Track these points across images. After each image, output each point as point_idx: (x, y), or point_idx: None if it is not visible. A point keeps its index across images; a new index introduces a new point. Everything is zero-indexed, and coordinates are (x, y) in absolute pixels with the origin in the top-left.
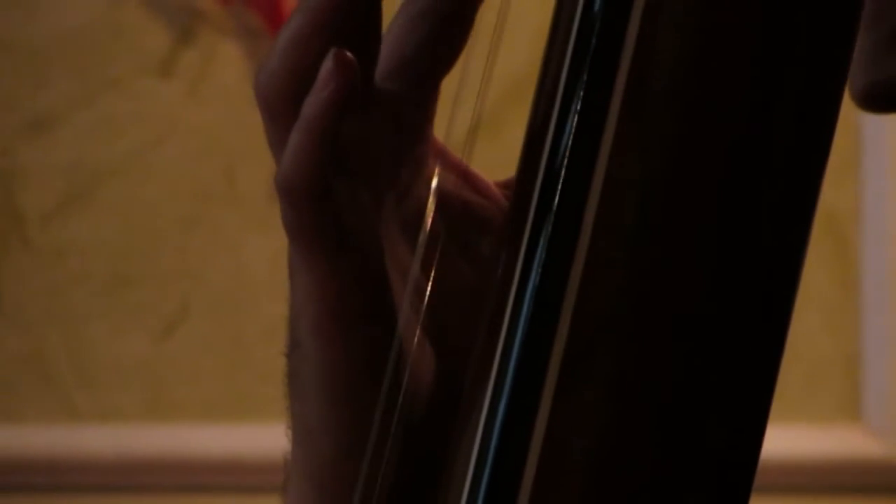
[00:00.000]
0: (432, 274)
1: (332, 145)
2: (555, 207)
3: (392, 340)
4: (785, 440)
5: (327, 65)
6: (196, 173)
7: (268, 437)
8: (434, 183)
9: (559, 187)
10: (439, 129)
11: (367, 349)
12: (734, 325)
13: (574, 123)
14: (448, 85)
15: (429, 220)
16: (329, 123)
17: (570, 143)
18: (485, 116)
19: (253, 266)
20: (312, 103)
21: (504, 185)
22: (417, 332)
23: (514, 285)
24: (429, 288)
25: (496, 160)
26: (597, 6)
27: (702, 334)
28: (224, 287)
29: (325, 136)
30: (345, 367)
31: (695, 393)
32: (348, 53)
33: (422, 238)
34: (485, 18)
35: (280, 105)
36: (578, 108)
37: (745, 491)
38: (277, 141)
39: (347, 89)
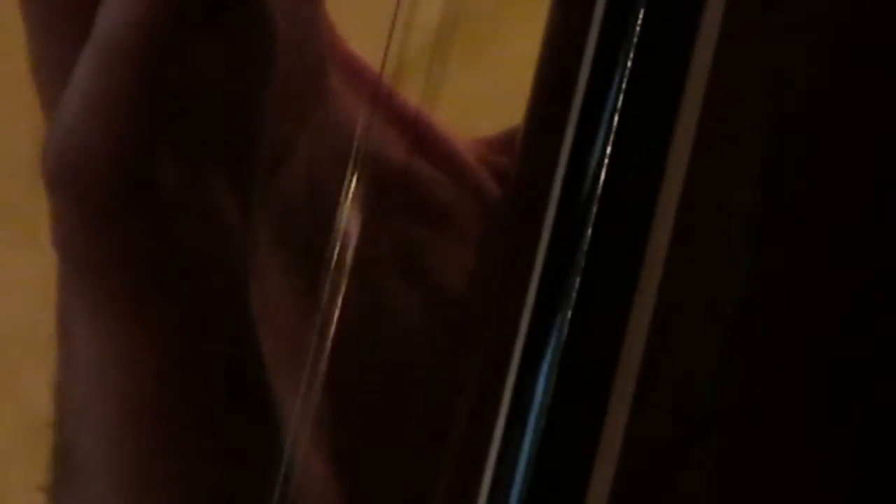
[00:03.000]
0: (334, 321)
1: (155, 90)
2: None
3: (269, 459)
4: None
5: None
6: None
7: None
8: (354, 146)
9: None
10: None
11: (215, 469)
12: None
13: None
14: None
15: (343, 220)
16: (146, 47)
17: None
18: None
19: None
20: (115, 11)
21: (487, 145)
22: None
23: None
24: (326, 348)
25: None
26: None
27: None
28: None
29: (140, 73)
30: None
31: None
32: None
33: (330, 243)
34: None
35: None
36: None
37: None
38: (50, 71)
39: None
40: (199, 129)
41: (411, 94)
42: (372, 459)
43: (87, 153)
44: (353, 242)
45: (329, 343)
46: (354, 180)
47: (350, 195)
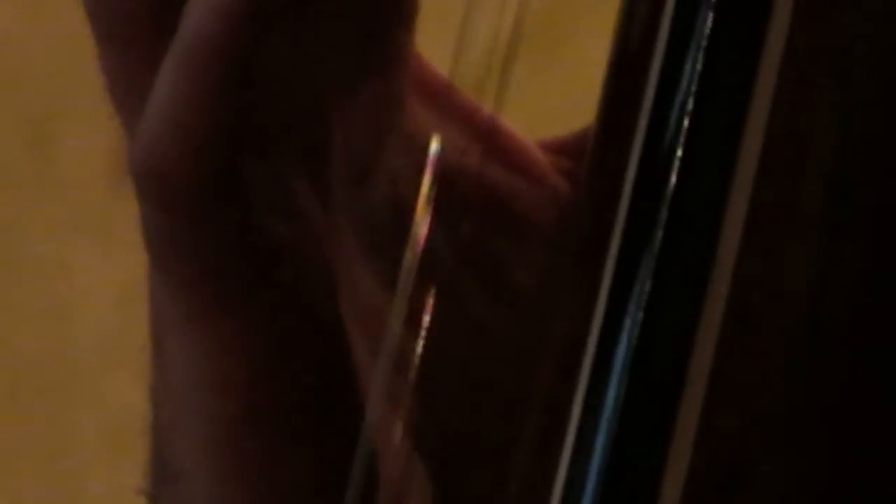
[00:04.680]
0: (424, 321)
1: (241, 94)
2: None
3: (352, 449)
4: None
5: None
6: None
7: None
8: (432, 151)
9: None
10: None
11: (309, 472)
12: None
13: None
14: None
15: (422, 225)
16: (233, 51)
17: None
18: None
19: (82, 310)
20: (199, 13)
21: (559, 150)
22: (400, 429)
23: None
24: (418, 349)
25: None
26: None
27: None
28: (29, 360)
29: (224, 77)
30: None
31: None
32: None
33: (409, 255)
34: None
35: (131, 12)
36: None
37: None
38: (128, 85)
39: None
40: (284, 129)
41: (481, 101)
42: (458, 462)
43: (172, 161)
44: (434, 254)
45: (416, 356)
46: (432, 191)
47: (428, 206)
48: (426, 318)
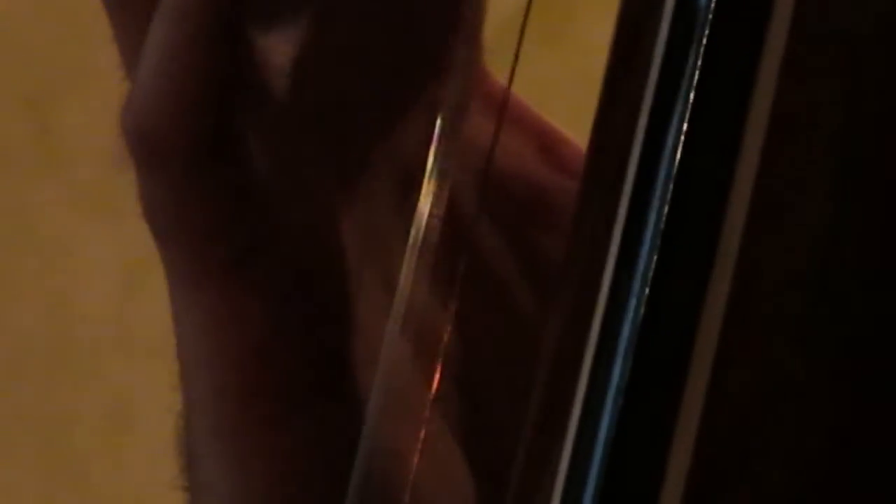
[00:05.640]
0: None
1: (232, 47)
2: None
3: (353, 425)
4: None
5: None
6: None
7: None
8: (491, 146)
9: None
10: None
11: (310, 446)
12: None
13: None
14: None
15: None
16: (221, 3)
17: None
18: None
19: (84, 290)
20: None
21: None
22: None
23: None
24: (446, 335)
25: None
26: None
27: None
28: (24, 345)
29: (213, 30)
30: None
31: None
32: None
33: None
34: None
35: None
36: None
37: None
38: (126, 44)
39: None
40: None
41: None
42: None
43: (162, 116)
44: (425, 198)
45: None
46: (435, 166)
47: (432, 181)
48: (469, 312)
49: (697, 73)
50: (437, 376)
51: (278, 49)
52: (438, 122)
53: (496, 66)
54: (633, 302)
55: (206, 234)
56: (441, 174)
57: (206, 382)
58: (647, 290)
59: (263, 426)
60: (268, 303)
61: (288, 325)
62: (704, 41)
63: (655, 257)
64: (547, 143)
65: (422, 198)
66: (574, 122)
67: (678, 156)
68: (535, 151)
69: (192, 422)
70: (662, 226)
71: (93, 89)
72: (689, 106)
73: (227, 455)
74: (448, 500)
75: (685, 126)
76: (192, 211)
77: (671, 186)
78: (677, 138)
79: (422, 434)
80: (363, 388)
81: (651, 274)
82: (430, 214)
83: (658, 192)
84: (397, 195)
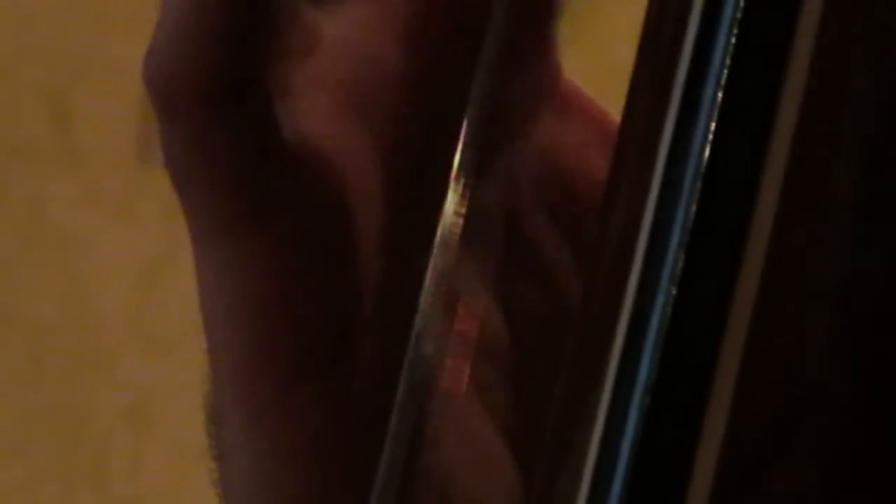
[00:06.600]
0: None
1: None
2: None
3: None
4: None
5: None
6: None
7: None
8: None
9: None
10: None
11: (322, 411)
12: None
13: None
14: None
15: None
16: None
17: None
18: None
19: (103, 284)
20: None
21: None
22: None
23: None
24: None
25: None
26: None
27: None
28: (48, 337)
29: None
30: (301, 456)
31: None
32: None
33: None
34: None
35: None
36: None
37: None
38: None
39: None
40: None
41: None
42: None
43: (185, 64)
44: (450, 199)
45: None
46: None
47: (458, 181)
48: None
49: (727, 71)
50: (473, 367)
51: (327, 20)
52: (465, 119)
53: None
54: (660, 301)
55: (226, 186)
56: (468, 170)
57: (225, 336)
58: (674, 290)
59: (278, 383)
60: (285, 258)
61: (304, 283)
62: (734, 40)
63: (683, 256)
64: (610, 136)
65: (449, 193)
66: None
67: (706, 155)
68: (598, 145)
69: (216, 383)
70: (690, 224)
71: (112, 84)
72: (718, 104)
73: (247, 414)
74: (490, 492)
75: (713, 125)
76: (212, 161)
77: (699, 184)
78: (705, 137)
79: (465, 425)
80: (381, 355)
81: (679, 273)
82: (456, 213)
83: (686, 190)
84: (423, 177)
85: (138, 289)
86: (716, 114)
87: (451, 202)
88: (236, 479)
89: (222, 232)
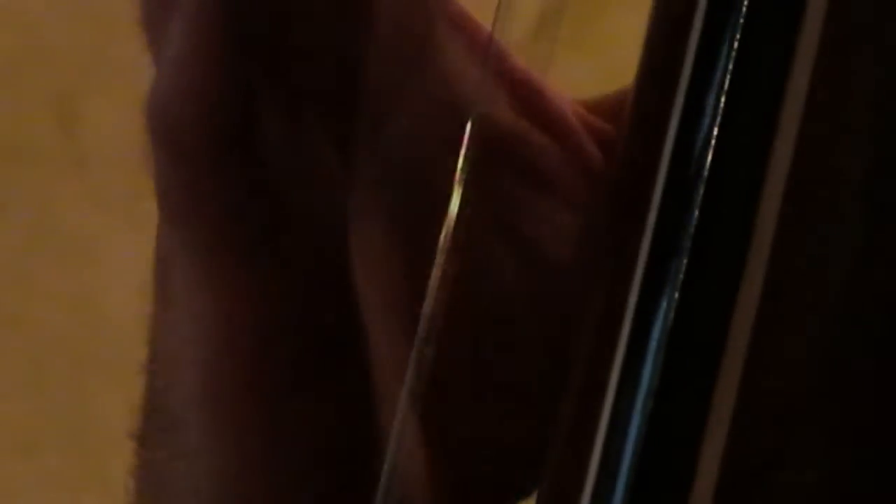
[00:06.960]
0: (435, 279)
1: (249, 36)
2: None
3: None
4: None
5: None
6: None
7: None
8: (468, 128)
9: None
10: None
11: (307, 435)
12: None
13: None
14: None
15: (457, 189)
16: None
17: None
18: None
19: (109, 288)
20: None
21: (594, 108)
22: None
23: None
24: (426, 305)
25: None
26: None
27: None
28: (57, 339)
29: (233, 29)
30: (277, 476)
31: None
32: None
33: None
34: None
35: None
36: None
37: None
38: (153, 31)
39: None
40: (300, 80)
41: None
42: (472, 419)
43: (188, 112)
44: (455, 201)
45: (430, 300)
46: (464, 171)
47: (460, 185)
48: (453, 282)
49: (729, 76)
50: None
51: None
52: (468, 126)
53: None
54: (663, 306)
55: (214, 219)
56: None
57: (201, 359)
58: (677, 295)
59: (263, 404)
60: (278, 286)
61: (296, 308)
62: (736, 44)
63: (686, 259)
64: (529, 93)
65: (452, 200)
66: None
67: (709, 160)
68: (515, 100)
69: (175, 388)
70: (693, 229)
71: (119, 88)
72: (721, 109)
73: (221, 429)
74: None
75: (717, 125)
76: (211, 197)
77: (702, 190)
78: (707, 143)
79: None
80: (370, 377)
81: (682, 278)
82: (458, 219)
83: (689, 196)
84: (373, 138)
85: (144, 291)
86: (720, 113)
87: (454, 205)
88: (190, 481)
89: (215, 266)
